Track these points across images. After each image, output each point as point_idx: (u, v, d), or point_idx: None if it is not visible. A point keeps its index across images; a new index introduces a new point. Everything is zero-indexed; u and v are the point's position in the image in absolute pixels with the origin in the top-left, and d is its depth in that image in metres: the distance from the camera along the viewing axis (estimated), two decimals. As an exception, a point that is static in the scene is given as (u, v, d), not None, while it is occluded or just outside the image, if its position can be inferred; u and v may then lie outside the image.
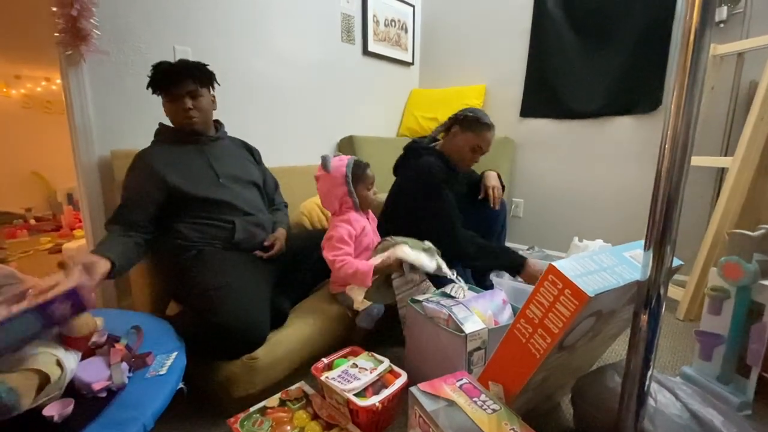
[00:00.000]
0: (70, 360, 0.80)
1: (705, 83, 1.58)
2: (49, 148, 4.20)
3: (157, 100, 1.22)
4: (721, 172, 1.69)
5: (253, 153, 1.43)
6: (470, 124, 1.38)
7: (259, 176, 1.37)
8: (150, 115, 1.46)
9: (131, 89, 1.43)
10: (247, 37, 1.76)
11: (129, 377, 0.78)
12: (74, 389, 0.74)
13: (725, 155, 1.69)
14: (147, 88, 1.19)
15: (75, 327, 0.83)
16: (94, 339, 0.88)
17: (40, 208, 4.27)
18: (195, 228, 1.16)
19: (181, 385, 0.81)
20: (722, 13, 1.67)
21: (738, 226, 1.38)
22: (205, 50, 1.60)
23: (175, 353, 0.87)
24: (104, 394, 0.73)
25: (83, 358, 0.82)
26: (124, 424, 0.68)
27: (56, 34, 1.23)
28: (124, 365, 0.78)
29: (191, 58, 1.54)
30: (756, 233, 1.00)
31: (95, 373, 0.76)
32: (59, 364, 0.77)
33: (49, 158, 4.22)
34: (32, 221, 3.87)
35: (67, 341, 0.81)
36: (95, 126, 1.36)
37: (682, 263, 0.81)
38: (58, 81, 3.73)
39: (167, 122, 1.25)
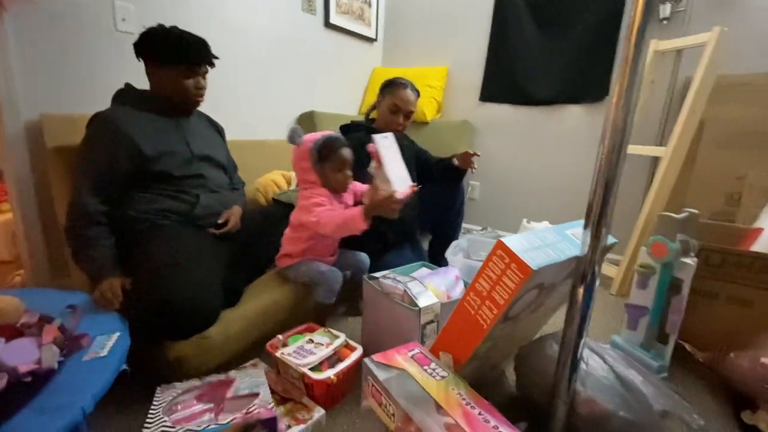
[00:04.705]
0: (-6, 347, 0.74)
1: (647, 77, 1.70)
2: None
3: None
4: (656, 160, 1.84)
5: (220, 133, 1.39)
6: (386, 87, 1.50)
7: (225, 157, 1.34)
8: (84, 75, 1.33)
9: (64, 45, 1.28)
10: (198, -2, 1.63)
11: (60, 361, 0.73)
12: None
13: (661, 145, 1.83)
14: (154, 53, 1.11)
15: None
16: (23, 320, 0.81)
17: (-43, 179, 3.80)
18: (152, 199, 1.09)
19: (124, 366, 0.78)
20: (666, 10, 1.78)
21: (667, 210, 1.51)
22: (150, 9, 1.47)
23: (117, 333, 0.83)
24: (29, 379, 0.67)
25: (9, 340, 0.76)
26: (60, 408, 0.64)
27: (-33, -23, 1.08)
28: (56, 348, 0.73)
29: (134, 15, 1.42)
30: (680, 216, 1.11)
31: (22, 355, 0.70)
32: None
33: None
34: (-53, 194, 3.44)
35: (-11, 328, 0.75)
36: (21, 87, 1.21)
37: (617, 241, 0.88)
38: (-26, 34, 3.27)
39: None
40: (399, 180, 1.14)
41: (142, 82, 1.17)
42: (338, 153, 1.15)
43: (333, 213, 1.12)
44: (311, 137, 1.16)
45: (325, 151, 1.15)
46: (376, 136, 1.16)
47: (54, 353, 0.72)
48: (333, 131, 1.22)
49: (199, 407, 0.80)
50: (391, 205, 1.08)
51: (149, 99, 1.15)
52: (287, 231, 1.23)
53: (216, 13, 1.71)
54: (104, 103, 1.14)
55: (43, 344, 0.72)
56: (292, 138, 1.15)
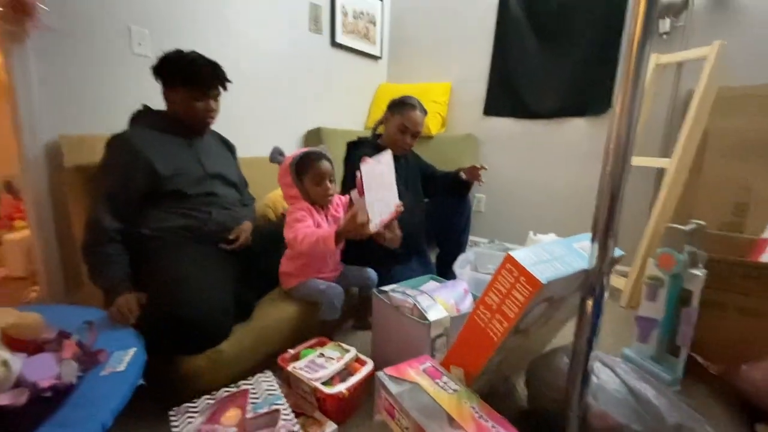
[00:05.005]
0: (17, 363, 0.76)
1: (649, 90, 1.72)
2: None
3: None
4: (661, 172, 1.85)
5: (232, 151, 1.43)
6: (395, 106, 1.50)
7: (236, 175, 1.37)
8: (101, 97, 1.38)
9: (81, 70, 1.34)
10: (211, 21, 1.69)
11: (79, 376, 0.74)
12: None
13: (665, 157, 1.84)
14: (168, 76, 1.15)
15: (22, 329, 0.78)
16: (43, 336, 0.83)
17: (-28, 197, 3.88)
18: (166, 217, 1.12)
19: (140, 381, 0.79)
20: (666, 25, 1.81)
21: (673, 222, 1.52)
22: (165, 33, 1.53)
23: (134, 349, 0.85)
24: (49, 394, 0.69)
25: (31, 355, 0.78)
26: (81, 423, 0.65)
27: (-4, 8, 1.13)
28: (75, 363, 0.75)
29: (150, 40, 1.48)
30: (687, 227, 1.11)
31: (42, 371, 0.72)
32: (5, 364, 0.73)
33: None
34: (-38, 211, 3.51)
35: (12, 344, 0.77)
36: (40, 109, 1.26)
37: (624, 253, 0.89)
38: (-8, 57, 3.39)
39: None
40: (380, 208, 1.14)
41: (156, 104, 1.21)
42: (316, 165, 1.18)
43: (309, 230, 1.14)
44: (291, 154, 1.20)
45: (303, 165, 1.18)
46: (364, 165, 1.11)
47: (73, 368, 0.74)
48: (315, 147, 1.25)
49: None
50: (362, 235, 1.11)
51: (165, 120, 1.19)
52: (286, 250, 1.25)
53: (227, 35, 1.77)
54: (120, 124, 1.18)
55: (62, 359, 0.74)
56: (274, 157, 1.20)
